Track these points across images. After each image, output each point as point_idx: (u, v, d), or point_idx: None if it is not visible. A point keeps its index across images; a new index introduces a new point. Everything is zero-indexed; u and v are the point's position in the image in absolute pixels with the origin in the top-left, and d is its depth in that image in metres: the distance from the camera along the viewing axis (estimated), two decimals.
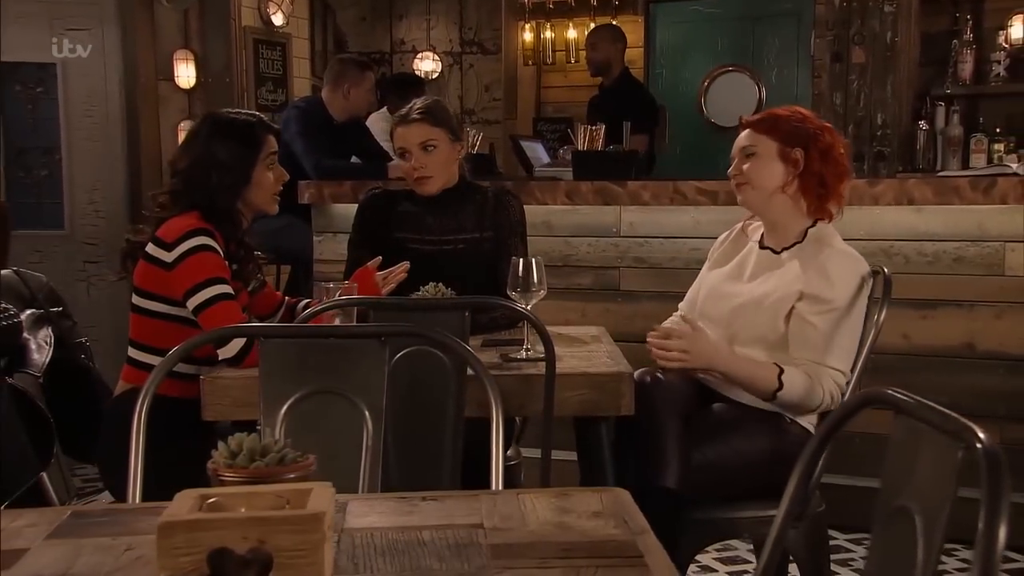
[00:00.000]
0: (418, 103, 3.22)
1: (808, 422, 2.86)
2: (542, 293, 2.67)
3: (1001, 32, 6.08)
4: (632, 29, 7.43)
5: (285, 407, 1.87)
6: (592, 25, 7.05)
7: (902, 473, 1.23)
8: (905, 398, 1.22)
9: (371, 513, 1.51)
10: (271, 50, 6.71)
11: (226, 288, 2.66)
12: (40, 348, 2.81)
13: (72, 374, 2.90)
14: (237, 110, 3.05)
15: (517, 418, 3.20)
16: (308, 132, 5.30)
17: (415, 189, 3.23)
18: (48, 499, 2.64)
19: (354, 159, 5.56)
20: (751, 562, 3.61)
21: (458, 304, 2.44)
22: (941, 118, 6.05)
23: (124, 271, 2.79)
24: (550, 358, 2.37)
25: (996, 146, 5.94)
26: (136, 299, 2.77)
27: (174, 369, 2.69)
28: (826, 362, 2.74)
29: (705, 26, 7.54)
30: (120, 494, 2.73)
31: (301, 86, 7.04)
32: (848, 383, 2.78)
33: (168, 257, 2.67)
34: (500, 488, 1.80)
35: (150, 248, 2.72)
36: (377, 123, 5.86)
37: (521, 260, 2.67)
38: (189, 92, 6.24)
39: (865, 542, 3.85)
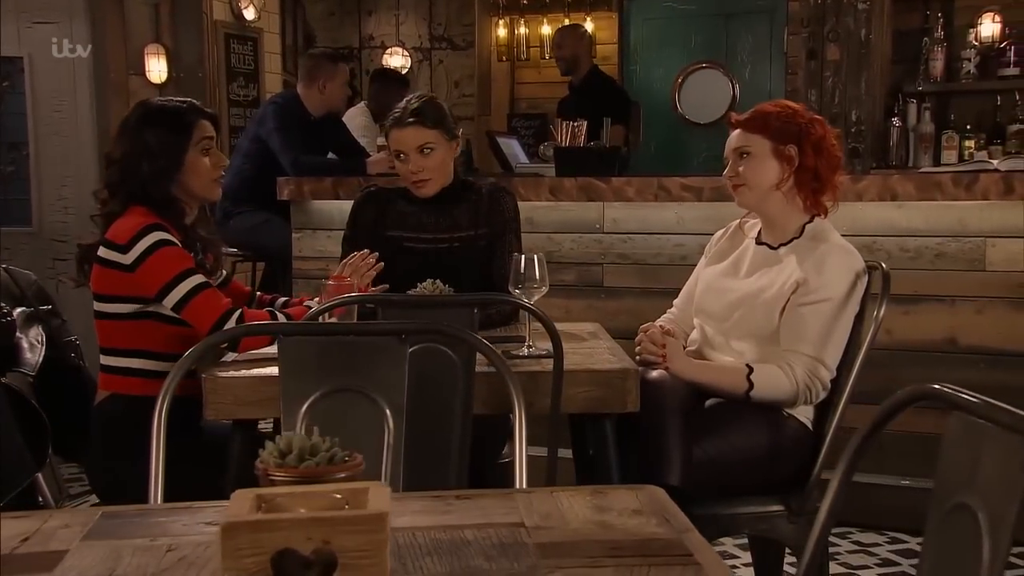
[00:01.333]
0: (412, 103, 3.17)
1: (805, 416, 2.87)
2: (544, 289, 2.66)
3: (971, 30, 6.15)
4: (606, 26, 7.46)
5: (305, 406, 1.85)
6: (566, 21, 7.05)
7: (960, 471, 1.23)
8: (963, 395, 1.22)
9: (406, 512, 1.49)
10: (242, 45, 6.66)
11: (199, 278, 2.61)
12: (33, 347, 2.76)
13: (62, 373, 2.84)
14: (169, 98, 2.98)
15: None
16: (285, 128, 5.26)
17: (413, 191, 3.21)
18: (44, 500, 2.59)
19: (331, 155, 5.51)
20: (739, 557, 3.63)
21: (466, 301, 2.42)
22: (913, 115, 6.11)
23: (81, 277, 2.72)
24: (558, 355, 2.37)
25: (967, 143, 6.01)
26: (99, 305, 2.69)
27: (146, 368, 2.66)
28: (807, 352, 2.74)
29: (679, 23, 7.56)
30: (107, 496, 2.69)
31: (273, 81, 6.99)
32: (832, 377, 2.79)
33: (126, 259, 2.60)
34: (524, 486, 1.79)
35: (103, 252, 2.64)
36: (354, 118, 5.84)
37: (523, 256, 2.65)
38: (161, 87, 6.16)
39: (849, 535, 3.88)
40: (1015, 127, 6.00)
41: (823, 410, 2.90)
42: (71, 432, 2.81)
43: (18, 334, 2.73)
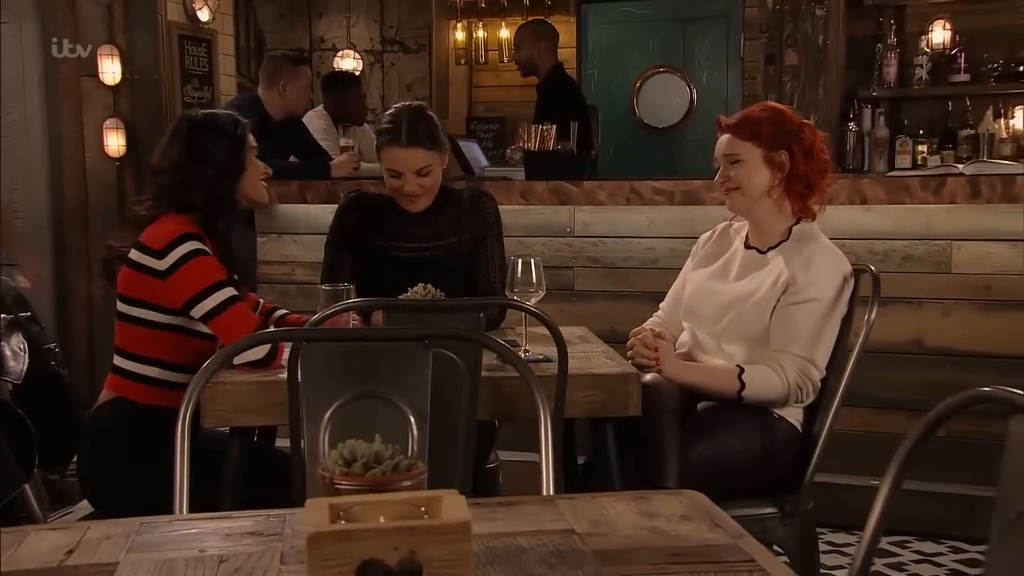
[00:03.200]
0: (407, 118, 3.09)
1: (795, 419, 2.90)
2: (541, 293, 2.66)
3: (923, 37, 6.26)
4: (564, 29, 7.44)
5: (329, 412, 1.82)
6: None
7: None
8: None
9: None
10: (196, 46, 6.54)
11: (231, 291, 2.62)
12: (16, 355, 2.69)
13: (43, 381, 2.78)
14: (211, 110, 3.03)
15: (496, 421, 3.18)
16: None
17: (403, 205, 3.17)
18: (31, 512, 2.53)
19: (292, 158, 5.45)
20: None
21: (472, 305, 2.41)
22: (868, 120, 6.20)
23: (107, 279, 2.73)
24: (563, 359, 2.36)
25: (920, 147, 6.11)
26: (123, 306, 2.69)
27: (159, 378, 2.66)
28: (797, 352, 2.77)
29: (636, 27, 7.60)
30: (103, 505, 2.65)
31: (227, 84, 6.88)
32: (823, 378, 2.82)
33: (160, 265, 2.61)
34: (552, 493, 1.78)
35: (135, 255, 2.66)
36: (313, 121, 5.78)
37: (519, 260, 2.65)
38: (114, 89, 6.04)
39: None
40: (966, 132, 6.12)
41: (811, 412, 2.93)
42: (52, 442, 2.75)
43: (1, 342, 2.67)
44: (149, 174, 2.86)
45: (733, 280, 2.95)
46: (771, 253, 2.91)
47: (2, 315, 2.72)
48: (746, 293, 2.88)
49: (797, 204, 2.90)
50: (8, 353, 2.66)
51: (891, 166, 5.98)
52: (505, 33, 7.90)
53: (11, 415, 2.54)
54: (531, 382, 1.83)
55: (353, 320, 2.48)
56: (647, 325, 3.12)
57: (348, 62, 8.33)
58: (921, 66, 6.22)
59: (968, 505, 3.87)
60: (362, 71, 8.39)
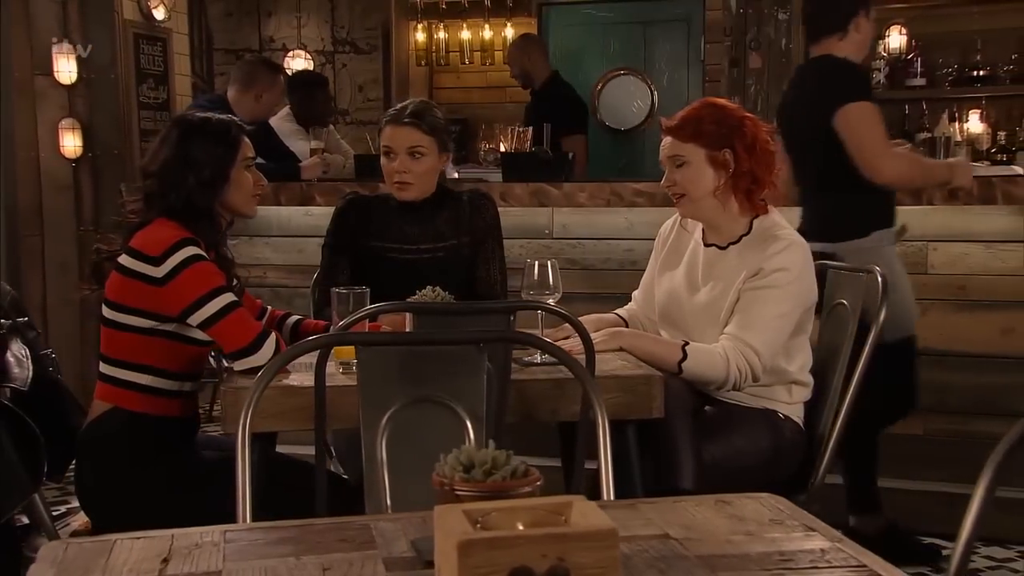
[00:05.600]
0: (412, 104, 3.16)
1: (797, 417, 2.91)
2: (557, 295, 2.64)
3: (880, 42, 6.36)
4: (525, 31, 7.44)
5: (386, 417, 1.79)
6: (486, 27, 7.01)
7: None
8: None
9: None
10: (152, 45, 6.41)
11: (232, 297, 2.54)
12: (20, 361, 2.60)
13: (41, 388, 2.69)
14: (209, 114, 2.95)
15: None
16: None
17: (393, 192, 3.15)
18: (43, 523, 2.44)
19: (260, 160, 5.36)
20: None
21: (503, 307, 2.38)
22: None
23: (96, 283, 2.63)
24: (591, 360, 2.34)
25: None
26: (110, 312, 2.58)
27: (153, 385, 2.57)
28: (743, 338, 2.74)
29: (597, 29, 7.63)
30: (104, 520, 2.56)
31: (182, 84, 6.76)
32: (763, 366, 2.75)
33: (157, 272, 2.51)
34: (612, 497, 1.77)
35: (126, 260, 2.56)
36: (280, 124, 5.70)
37: (536, 262, 2.63)
38: (70, 88, 5.90)
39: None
40: (922, 135, 6.22)
41: (811, 411, 2.95)
42: (51, 449, 2.66)
43: (6, 347, 2.59)
44: (140, 175, 2.76)
45: (701, 285, 2.91)
46: (733, 249, 2.87)
47: (1, 320, 2.63)
48: (710, 301, 2.84)
49: (744, 202, 2.84)
50: (11, 359, 2.58)
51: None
52: (466, 35, 7.88)
53: (18, 422, 2.46)
54: (588, 386, 1.82)
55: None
56: (620, 311, 3.14)
57: (299, 62, 8.22)
58: (879, 70, 6.32)
59: None
60: (312, 72, 8.29)
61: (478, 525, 1.10)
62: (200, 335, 2.56)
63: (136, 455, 2.53)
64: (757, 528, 1.43)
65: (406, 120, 3.08)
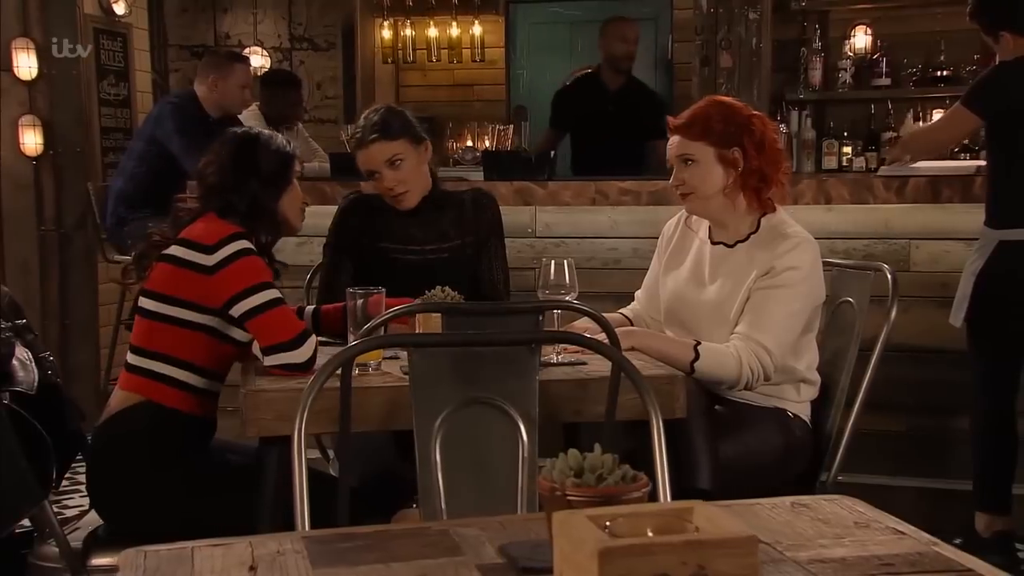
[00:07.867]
0: (371, 117, 3.09)
1: (806, 416, 2.92)
2: (575, 293, 2.61)
3: (846, 42, 6.41)
4: (492, 29, 7.43)
5: (440, 419, 1.75)
6: (453, 24, 6.93)
7: None
8: None
9: None
10: (112, 41, 6.29)
11: (276, 293, 2.53)
12: (24, 365, 2.53)
13: (42, 392, 2.62)
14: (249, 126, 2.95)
15: None
16: (185, 130, 5.05)
17: (395, 205, 3.12)
18: (53, 531, 2.36)
19: None
20: None
21: (532, 307, 2.35)
22: (795, 122, 6.31)
23: (140, 274, 2.61)
24: (616, 359, 2.31)
25: (845, 149, 6.24)
26: (153, 304, 2.57)
27: (188, 382, 2.54)
28: (756, 337, 2.74)
29: (564, 27, 7.62)
30: (116, 520, 2.50)
31: (143, 80, 6.65)
32: (775, 365, 2.76)
33: (208, 260, 2.50)
34: (669, 499, 1.74)
35: (179, 251, 2.55)
36: (248, 120, 5.61)
37: (552, 261, 2.60)
38: (30, 84, 5.76)
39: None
40: (888, 135, 6.28)
41: (818, 409, 2.96)
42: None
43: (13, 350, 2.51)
44: (195, 176, 2.77)
45: (708, 284, 2.90)
46: (741, 247, 2.87)
47: (1, 322, 2.55)
48: (719, 301, 2.84)
49: (753, 200, 2.85)
50: (16, 363, 2.50)
51: (818, 167, 6.10)
52: (433, 32, 7.81)
53: (27, 427, 2.39)
54: (639, 386, 1.79)
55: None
56: (624, 311, 3.12)
57: (256, 59, 8.10)
58: (845, 70, 6.36)
59: None
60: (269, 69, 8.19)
61: (606, 531, 1.07)
62: (239, 335, 2.56)
63: (157, 452, 2.49)
64: (845, 532, 1.41)
65: (371, 139, 3.04)
